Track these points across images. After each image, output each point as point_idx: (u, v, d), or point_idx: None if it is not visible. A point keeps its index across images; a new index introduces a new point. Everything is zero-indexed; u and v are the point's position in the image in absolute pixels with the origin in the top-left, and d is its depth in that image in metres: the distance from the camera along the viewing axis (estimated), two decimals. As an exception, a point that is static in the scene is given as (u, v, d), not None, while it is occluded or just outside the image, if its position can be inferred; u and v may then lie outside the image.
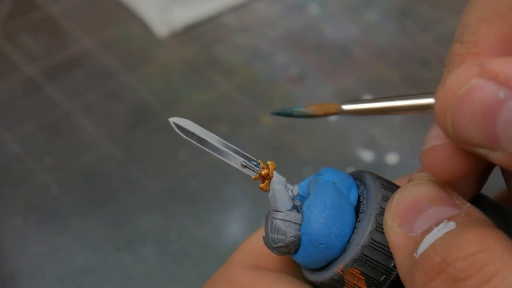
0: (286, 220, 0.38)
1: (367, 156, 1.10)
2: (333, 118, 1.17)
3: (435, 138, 0.35)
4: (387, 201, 0.38)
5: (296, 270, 0.44)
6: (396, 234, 0.34)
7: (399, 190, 0.37)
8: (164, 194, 1.06)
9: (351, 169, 1.07)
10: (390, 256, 0.37)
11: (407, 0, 1.39)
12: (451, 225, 0.33)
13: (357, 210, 0.40)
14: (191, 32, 1.33)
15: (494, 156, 0.32)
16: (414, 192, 0.36)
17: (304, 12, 1.38)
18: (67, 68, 1.26)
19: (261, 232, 0.46)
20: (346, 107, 0.38)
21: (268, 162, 0.40)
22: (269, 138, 1.14)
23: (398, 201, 0.35)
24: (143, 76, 1.25)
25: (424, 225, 0.34)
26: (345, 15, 1.36)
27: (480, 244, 0.30)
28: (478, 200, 0.39)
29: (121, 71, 1.26)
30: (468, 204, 0.35)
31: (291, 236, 0.38)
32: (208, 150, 0.40)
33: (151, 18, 1.34)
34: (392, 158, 1.09)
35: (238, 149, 0.40)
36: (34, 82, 1.24)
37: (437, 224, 0.33)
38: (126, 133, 1.15)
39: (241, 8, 1.37)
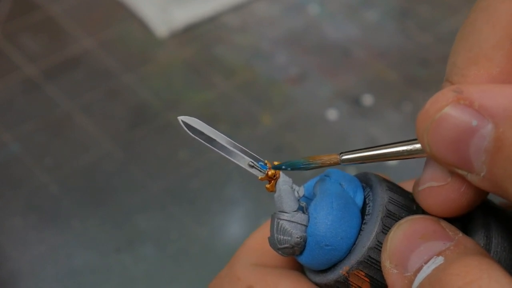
0: (292, 221, 0.38)
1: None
2: (333, 118, 1.17)
3: (430, 178, 0.36)
4: (393, 204, 0.38)
5: (301, 266, 0.44)
6: (393, 275, 0.35)
7: (392, 228, 0.37)
8: (164, 194, 1.06)
9: (351, 170, 1.07)
10: None
11: (407, 0, 1.39)
12: (440, 260, 0.33)
13: (362, 212, 0.40)
14: (191, 32, 1.33)
15: (471, 178, 0.32)
16: (406, 230, 0.36)
17: (304, 12, 1.38)
18: (67, 68, 1.26)
19: (263, 229, 0.46)
20: (345, 157, 0.39)
21: (275, 163, 0.40)
22: (269, 138, 1.14)
23: (392, 241, 0.35)
24: (143, 76, 1.25)
25: (416, 263, 0.34)
26: (345, 15, 1.36)
27: (464, 277, 0.31)
28: (484, 206, 0.39)
29: (121, 71, 1.26)
30: (460, 234, 0.35)
31: (296, 237, 0.38)
32: (216, 150, 0.40)
33: (151, 18, 1.34)
34: (392, 159, 1.09)
35: (246, 149, 0.40)
36: (34, 82, 1.24)
37: (427, 261, 0.34)
38: (126, 133, 1.15)
39: (241, 8, 1.37)
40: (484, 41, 0.35)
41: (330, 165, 0.40)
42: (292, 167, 0.41)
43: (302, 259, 0.40)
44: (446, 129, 0.32)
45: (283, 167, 0.41)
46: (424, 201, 0.37)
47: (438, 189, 0.36)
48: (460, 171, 0.33)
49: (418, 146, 0.36)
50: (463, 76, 0.36)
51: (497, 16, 0.35)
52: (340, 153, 0.39)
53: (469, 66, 0.36)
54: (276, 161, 0.41)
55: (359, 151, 0.39)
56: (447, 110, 0.32)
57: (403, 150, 0.37)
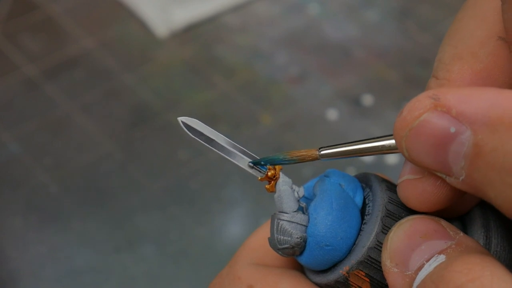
0: (292, 222, 0.38)
1: (367, 156, 1.10)
2: (333, 118, 1.17)
3: (408, 172, 0.36)
4: (393, 204, 0.38)
5: (301, 266, 0.44)
6: (393, 275, 0.35)
7: (393, 228, 0.37)
8: (164, 194, 1.06)
9: (351, 170, 1.08)
10: None
11: (407, 0, 1.39)
12: (441, 258, 0.33)
13: (362, 212, 0.40)
14: (191, 32, 1.33)
15: (450, 181, 0.32)
16: (407, 229, 0.36)
17: (304, 12, 1.38)
18: (67, 68, 1.26)
19: (264, 228, 0.46)
20: (323, 152, 0.39)
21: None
22: (269, 138, 1.14)
23: (393, 240, 0.36)
24: (143, 76, 1.25)
25: (417, 262, 0.34)
26: (345, 15, 1.36)
27: (467, 274, 0.31)
28: (483, 206, 0.39)
29: (121, 71, 1.26)
30: (461, 233, 0.35)
31: (297, 238, 0.38)
32: (216, 150, 0.40)
33: (151, 18, 1.33)
34: (392, 159, 1.09)
35: (245, 150, 0.40)
36: (34, 82, 1.24)
37: (428, 259, 0.33)
38: (126, 133, 1.15)
39: (241, 8, 1.37)
40: (470, 38, 0.36)
41: (309, 160, 0.40)
42: (271, 162, 0.41)
43: (302, 260, 0.40)
44: (424, 136, 0.32)
45: (262, 162, 0.41)
46: (402, 193, 0.37)
47: (414, 182, 0.36)
48: (439, 174, 0.33)
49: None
50: (448, 71, 0.36)
51: (484, 14, 0.36)
52: (319, 148, 0.40)
53: (453, 62, 0.36)
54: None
55: (338, 146, 0.39)
56: (424, 117, 0.32)
57: (381, 145, 0.37)
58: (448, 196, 0.35)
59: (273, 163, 0.41)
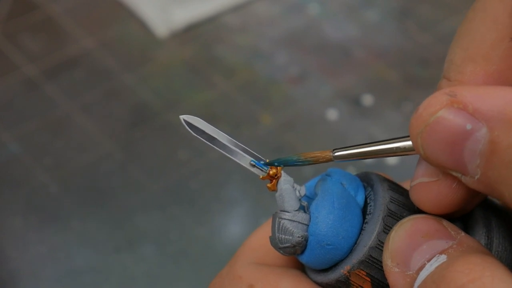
0: (294, 221, 0.38)
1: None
2: (332, 117, 1.17)
3: (422, 174, 0.36)
4: (394, 203, 0.38)
5: (302, 266, 0.44)
6: (394, 274, 0.35)
7: (394, 227, 0.37)
8: (164, 194, 1.06)
9: (351, 169, 1.07)
10: None
11: (407, 0, 1.39)
12: (443, 258, 0.33)
13: (364, 211, 0.40)
14: (191, 32, 1.33)
15: (465, 180, 0.32)
16: (408, 228, 0.36)
17: (304, 12, 1.38)
18: (67, 68, 1.26)
19: (264, 228, 0.46)
20: (337, 153, 0.39)
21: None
22: (269, 138, 1.14)
23: (394, 240, 0.36)
24: (143, 76, 1.25)
25: (419, 261, 0.34)
26: (345, 15, 1.36)
27: (468, 274, 0.31)
28: (485, 206, 0.39)
29: (121, 71, 1.25)
30: (463, 233, 0.35)
31: (298, 237, 0.38)
32: (218, 149, 0.39)
33: (151, 18, 1.33)
34: (392, 159, 1.09)
35: (247, 148, 0.40)
36: (34, 82, 1.23)
37: (430, 259, 0.33)
38: (126, 133, 1.15)
39: (241, 8, 1.37)
40: (481, 39, 0.36)
41: (323, 161, 0.40)
42: (285, 164, 0.41)
43: (303, 259, 0.40)
44: (440, 133, 0.32)
45: (276, 163, 0.41)
46: (415, 196, 0.37)
47: (429, 185, 0.36)
48: (454, 173, 0.33)
49: (411, 143, 0.36)
50: (460, 73, 0.36)
51: (494, 16, 0.35)
52: (333, 150, 0.39)
53: (466, 63, 0.36)
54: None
55: (352, 147, 0.39)
56: (441, 113, 0.31)
57: (396, 147, 0.37)
58: (462, 198, 0.35)
59: (287, 164, 0.41)
